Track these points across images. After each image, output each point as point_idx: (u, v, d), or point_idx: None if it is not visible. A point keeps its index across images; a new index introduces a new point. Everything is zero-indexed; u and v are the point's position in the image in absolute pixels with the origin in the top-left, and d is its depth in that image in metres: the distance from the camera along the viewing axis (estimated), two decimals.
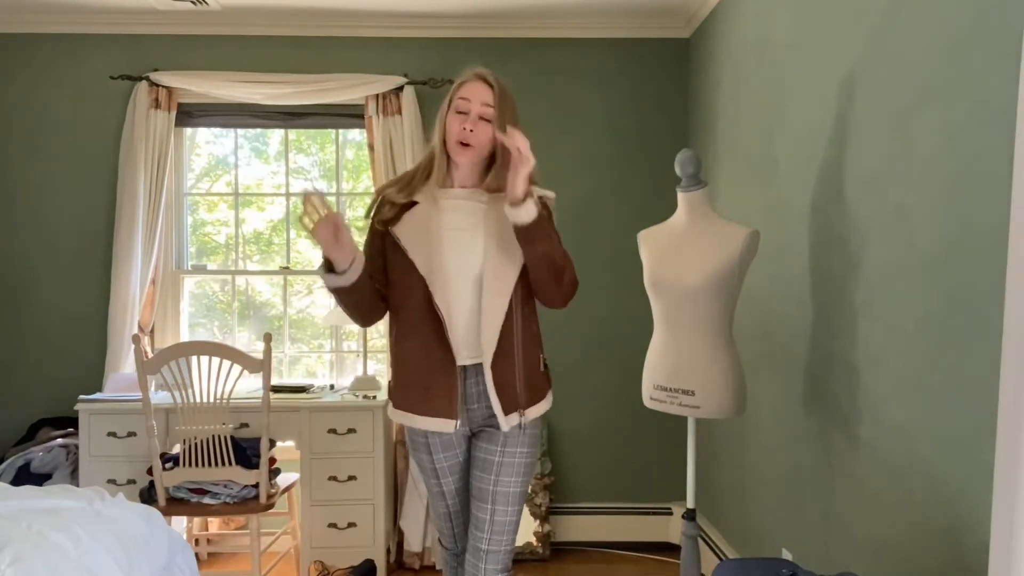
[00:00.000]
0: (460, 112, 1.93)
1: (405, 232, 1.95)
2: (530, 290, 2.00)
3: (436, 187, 1.98)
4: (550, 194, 2.01)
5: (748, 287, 2.57)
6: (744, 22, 3.03)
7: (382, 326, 3.86)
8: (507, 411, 1.96)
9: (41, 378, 3.78)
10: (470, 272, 1.94)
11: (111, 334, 3.65)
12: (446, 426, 1.96)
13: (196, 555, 2.75)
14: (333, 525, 3.34)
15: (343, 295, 1.94)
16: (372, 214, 2.03)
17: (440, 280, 1.92)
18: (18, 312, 3.79)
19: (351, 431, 3.34)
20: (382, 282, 2.02)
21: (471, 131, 1.91)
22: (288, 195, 4.02)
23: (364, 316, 2.05)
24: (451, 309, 1.93)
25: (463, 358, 1.96)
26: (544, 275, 1.93)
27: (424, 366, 1.95)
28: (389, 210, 1.97)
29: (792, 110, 2.53)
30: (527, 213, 1.83)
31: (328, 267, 1.90)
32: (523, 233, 1.86)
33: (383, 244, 2.00)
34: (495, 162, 1.97)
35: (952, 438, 1.64)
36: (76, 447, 3.40)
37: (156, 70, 3.72)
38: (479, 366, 1.97)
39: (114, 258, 3.68)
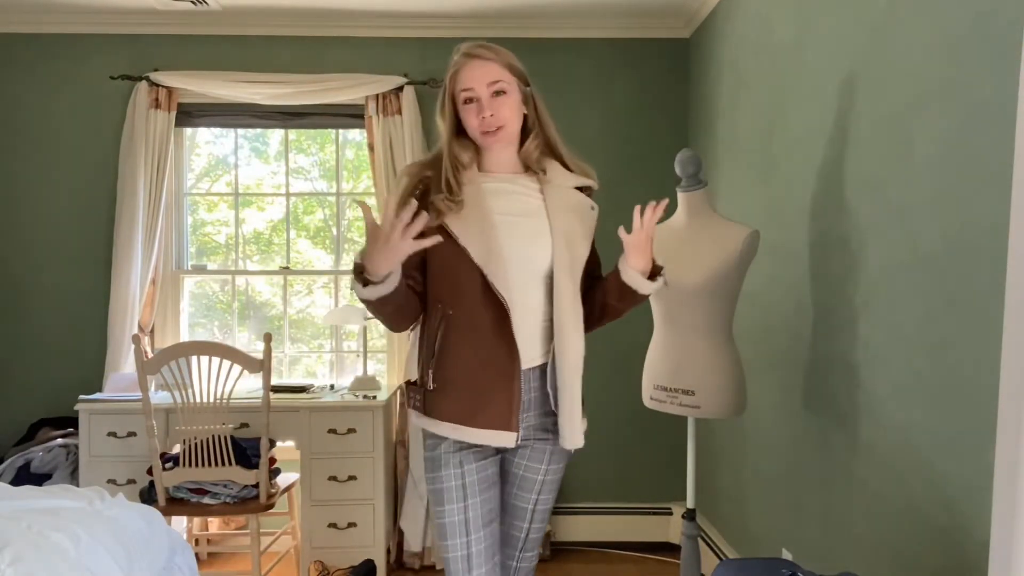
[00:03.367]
0: (469, 102, 1.74)
1: (453, 223, 1.70)
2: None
3: (473, 172, 1.78)
4: (594, 184, 1.87)
5: (748, 287, 2.57)
6: (744, 22, 3.03)
7: (382, 326, 3.86)
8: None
9: (41, 378, 3.78)
10: (534, 266, 1.74)
11: (111, 334, 3.65)
12: (505, 439, 1.71)
13: (196, 555, 2.75)
14: (333, 525, 3.34)
15: (381, 304, 1.66)
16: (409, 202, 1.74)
17: (500, 268, 1.69)
18: (18, 312, 3.79)
19: (351, 431, 3.34)
20: (417, 280, 1.76)
21: (491, 115, 1.72)
22: (288, 195, 4.02)
23: (400, 322, 1.79)
24: (514, 301, 1.69)
25: (525, 360, 1.74)
26: (604, 320, 1.88)
27: (479, 369, 1.71)
28: (435, 217, 1.70)
29: (792, 110, 2.53)
30: (651, 287, 1.77)
31: (362, 276, 1.62)
32: (630, 296, 1.78)
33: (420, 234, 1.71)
34: (527, 135, 1.82)
35: (952, 438, 1.64)
36: (76, 447, 3.40)
37: (156, 70, 3.72)
38: (535, 371, 1.77)
39: (114, 258, 3.68)
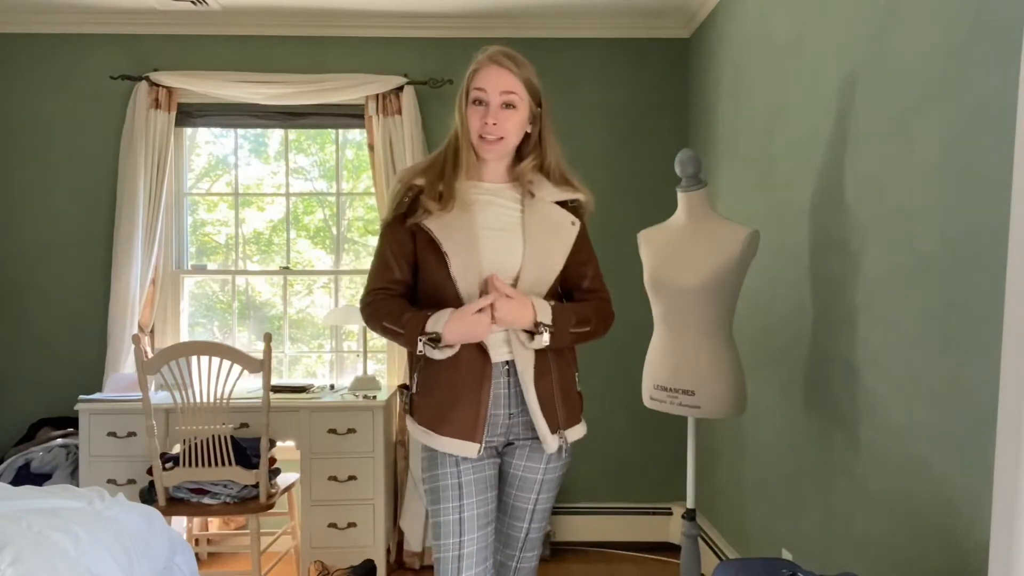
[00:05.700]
0: (477, 103, 1.75)
1: (439, 227, 1.74)
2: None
3: (465, 180, 1.80)
4: (581, 197, 1.88)
5: (748, 287, 2.57)
6: (744, 22, 3.03)
7: None
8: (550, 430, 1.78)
9: (41, 378, 3.78)
10: (504, 275, 1.76)
11: (111, 334, 3.65)
12: (467, 450, 1.74)
13: (196, 555, 2.75)
14: (333, 525, 3.34)
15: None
16: (400, 211, 1.81)
17: (474, 280, 1.74)
18: (18, 312, 3.79)
19: (351, 431, 3.34)
20: (412, 284, 1.85)
21: (494, 124, 1.74)
22: (288, 195, 4.02)
23: None
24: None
25: (502, 354, 1.77)
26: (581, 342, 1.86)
27: (450, 373, 1.75)
28: (423, 215, 1.76)
29: (792, 110, 2.53)
30: (540, 343, 1.73)
31: (428, 335, 1.71)
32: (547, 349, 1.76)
33: (413, 243, 1.80)
34: (524, 151, 1.84)
35: (952, 438, 1.64)
36: (76, 447, 3.40)
37: (156, 70, 3.72)
38: (510, 365, 1.79)
39: (114, 258, 3.68)
